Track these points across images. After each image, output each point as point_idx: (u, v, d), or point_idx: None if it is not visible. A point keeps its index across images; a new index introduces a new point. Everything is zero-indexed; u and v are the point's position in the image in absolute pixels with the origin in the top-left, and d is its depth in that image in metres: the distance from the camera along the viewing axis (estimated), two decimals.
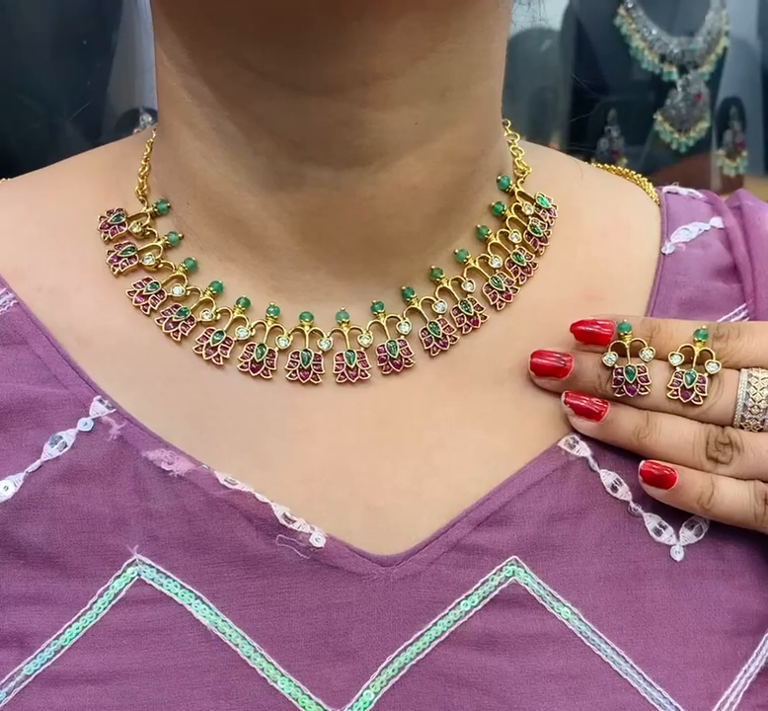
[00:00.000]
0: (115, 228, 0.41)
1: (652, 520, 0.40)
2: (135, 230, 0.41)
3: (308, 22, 0.34)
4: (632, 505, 0.40)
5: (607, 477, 0.40)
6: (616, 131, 1.23)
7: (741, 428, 0.40)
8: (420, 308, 0.41)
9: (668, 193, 0.48)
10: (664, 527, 0.40)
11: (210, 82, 0.37)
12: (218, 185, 0.39)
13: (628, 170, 0.50)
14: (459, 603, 0.38)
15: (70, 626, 0.37)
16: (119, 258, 0.41)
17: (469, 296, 0.41)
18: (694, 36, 1.27)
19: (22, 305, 0.40)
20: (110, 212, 0.42)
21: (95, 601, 0.37)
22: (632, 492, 0.40)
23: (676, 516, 0.40)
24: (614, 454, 0.40)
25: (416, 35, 0.35)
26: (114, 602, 0.37)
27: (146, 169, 0.42)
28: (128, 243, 0.41)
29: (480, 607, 0.38)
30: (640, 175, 0.49)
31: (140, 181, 0.42)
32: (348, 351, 0.40)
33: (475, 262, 0.42)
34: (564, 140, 1.25)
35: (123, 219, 0.41)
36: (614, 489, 0.40)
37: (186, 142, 0.39)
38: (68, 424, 0.38)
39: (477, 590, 0.38)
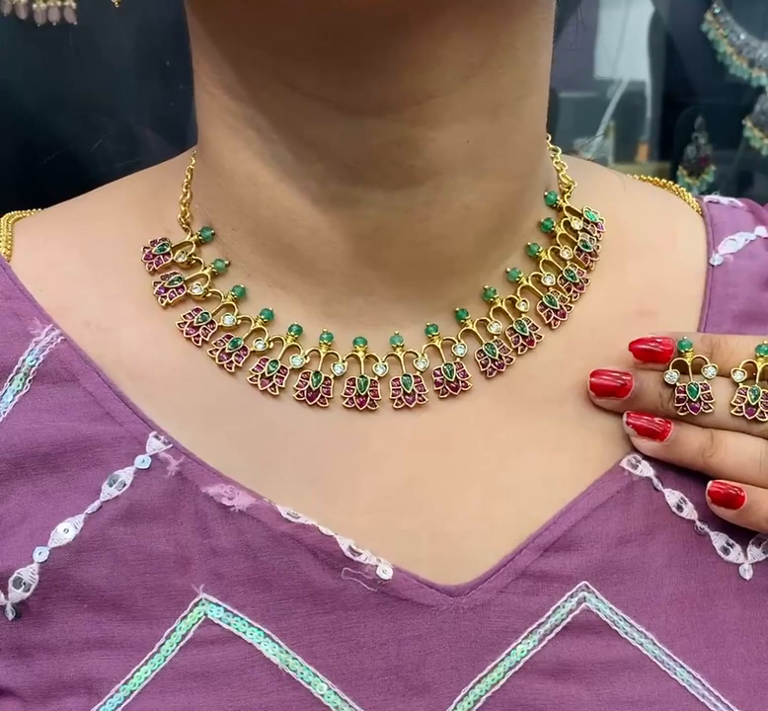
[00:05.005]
0: (159, 258, 0.40)
1: (719, 539, 0.39)
2: (180, 259, 0.40)
3: (360, 42, 0.33)
4: (698, 524, 0.39)
5: (672, 496, 0.39)
6: (703, 138, 1.22)
7: None
8: (474, 329, 0.40)
9: (710, 202, 0.48)
10: (732, 545, 0.39)
11: (259, 105, 0.36)
12: (267, 209, 0.38)
13: (667, 181, 0.50)
14: (532, 632, 0.37)
15: (139, 670, 0.36)
16: (167, 289, 0.40)
17: (524, 316, 0.41)
18: None
19: (69, 341, 0.39)
20: (153, 242, 0.41)
21: (162, 644, 0.36)
22: (698, 511, 0.39)
23: (743, 534, 0.39)
24: (676, 473, 0.40)
25: (467, 51, 0.34)
26: (182, 644, 0.36)
27: (188, 196, 0.41)
28: (174, 273, 0.40)
29: (553, 635, 0.37)
30: (686, 184, 0.48)
31: (182, 208, 0.41)
32: (404, 375, 0.39)
33: (528, 280, 0.41)
34: (653, 148, 1.24)
35: (168, 249, 0.40)
36: (679, 508, 0.39)
37: (232, 167, 0.38)
38: (125, 462, 0.37)
39: (549, 617, 0.37)
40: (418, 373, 0.39)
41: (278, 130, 0.37)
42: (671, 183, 0.49)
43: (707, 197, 0.48)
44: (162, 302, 0.40)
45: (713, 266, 0.44)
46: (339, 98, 0.35)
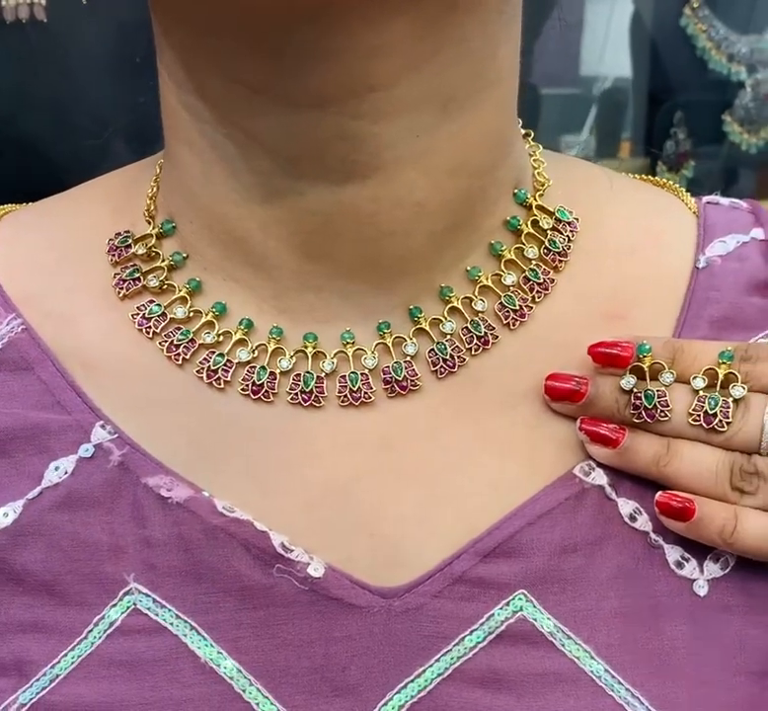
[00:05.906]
0: (121, 250, 0.41)
1: (673, 553, 0.38)
2: (140, 251, 0.41)
3: (291, 30, 0.33)
4: (652, 536, 0.38)
5: (625, 506, 0.38)
6: (682, 133, 1.21)
7: None
8: (427, 328, 0.39)
9: (708, 203, 0.46)
10: (687, 560, 0.38)
11: (206, 99, 0.37)
12: (219, 204, 0.38)
13: (666, 180, 0.48)
14: (463, 639, 0.36)
15: (65, 655, 0.36)
16: (124, 280, 0.40)
17: (480, 315, 0.40)
18: (764, 34, 1.23)
19: (30, 331, 0.40)
20: (117, 235, 0.41)
21: (90, 630, 0.36)
22: (652, 522, 0.38)
23: (701, 549, 0.38)
24: (632, 482, 0.38)
25: (409, 43, 0.34)
26: (109, 632, 0.36)
27: (154, 190, 0.42)
28: (133, 265, 0.41)
29: (485, 643, 0.36)
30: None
31: (148, 202, 0.41)
32: (352, 372, 0.39)
33: (487, 279, 0.40)
34: (637, 143, 1.22)
35: (130, 241, 0.41)
36: (633, 519, 0.38)
37: (186, 161, 0.39)
38: (69, 450, 0.38)
39: (482, 625, 0.36)
40: (366, 371, 0.39)
41: (225, 124, 0.37)
42: (670, 183, 0.47)
43: (706, 198, 0.46)
44: (119, 294, 0.40)
45: (698, 268, 0.42)
46: (276, 89, 0.35)
